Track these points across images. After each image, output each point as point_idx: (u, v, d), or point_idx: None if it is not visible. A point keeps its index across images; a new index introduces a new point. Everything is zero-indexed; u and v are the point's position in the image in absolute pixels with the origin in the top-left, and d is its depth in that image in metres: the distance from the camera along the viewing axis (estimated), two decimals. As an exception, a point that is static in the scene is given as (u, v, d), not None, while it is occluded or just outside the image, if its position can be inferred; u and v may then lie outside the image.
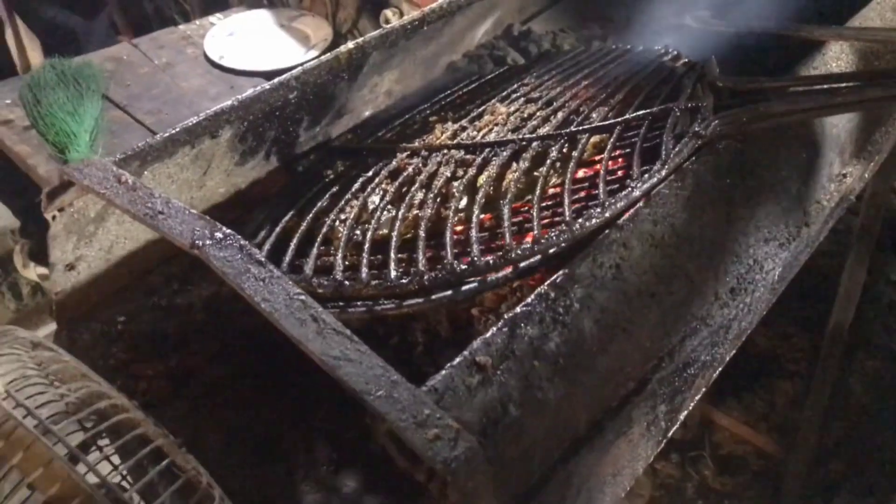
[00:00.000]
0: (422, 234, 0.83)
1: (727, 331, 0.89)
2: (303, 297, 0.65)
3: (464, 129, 1.02)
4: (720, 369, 0.96)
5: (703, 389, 0.93)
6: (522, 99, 1.05)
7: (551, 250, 0.76)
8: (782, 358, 2.11)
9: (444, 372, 0.63)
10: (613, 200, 0.77)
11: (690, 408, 0.91)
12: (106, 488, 0.58)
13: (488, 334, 0.66)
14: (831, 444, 1.94)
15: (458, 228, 0.85)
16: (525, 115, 1.01)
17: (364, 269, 0.81)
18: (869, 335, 2.07)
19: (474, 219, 0.84)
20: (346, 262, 0.84)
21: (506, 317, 0.67)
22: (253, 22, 2.00)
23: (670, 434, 0.89)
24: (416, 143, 1.01)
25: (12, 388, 0.58)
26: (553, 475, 0.69)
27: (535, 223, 0.81)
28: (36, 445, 0.58)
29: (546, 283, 0.70)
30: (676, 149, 0.82)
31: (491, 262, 0.77)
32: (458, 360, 0.64)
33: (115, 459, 0.66)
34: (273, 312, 0.64)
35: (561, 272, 0.71)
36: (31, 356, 0.65)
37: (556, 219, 0.81)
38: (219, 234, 0.68)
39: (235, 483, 0.75)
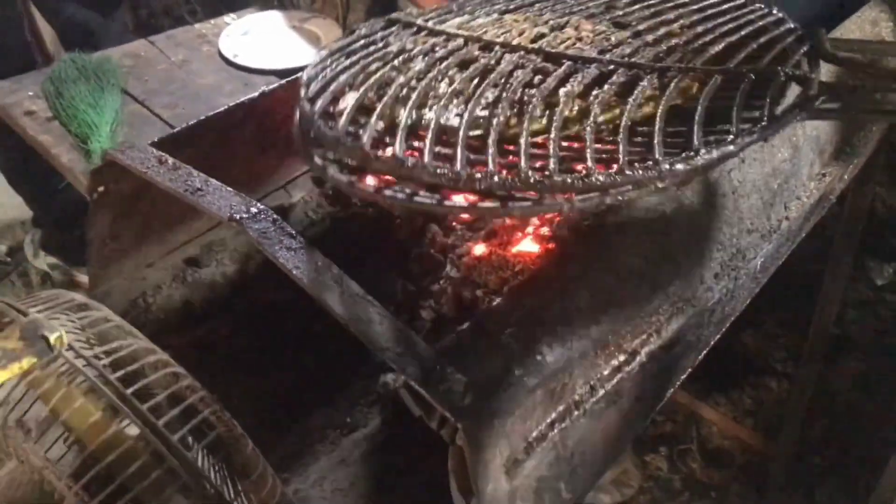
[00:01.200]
0: (493, 134, 0.72)
1: (711, 314, 0.97)
2: (330, 267, 0.73)
3: (543, 35, 0.91)
4: (704, 352, 1.05)
5: (689, 370, 1.01)
6: (610, 22, 0.95)
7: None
8: (769, 357, 2.19)
9: (455, 335, 0.71)
10: (707, 150, 0.69)
11: (676, 385, 0.99)
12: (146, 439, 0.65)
13: (494, 303, 0.74)
14: (815, 439, 2.02)
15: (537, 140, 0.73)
16: (613, 41, 0.90)
17: (427, 153, 0.69)
18: (853, 336, 2.14)
19: (553, 133, 0.72)
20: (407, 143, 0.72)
21: (509, 288, 0.75)
22: (266, 22, 2.09)
23: (657, 409, 0.98)
24: (491, 35, 0.90)
25: (74, 341, 0.66)
26: (549, 433, 0.77)
27: (622, 154, 0.70)
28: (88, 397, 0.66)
29: (543, 263, 0.79)
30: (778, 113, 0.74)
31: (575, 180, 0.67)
32: (466, 325, 0.72)
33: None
34: (303, 278, 0.71)
35: (557, 252, 0.80)
36: (79, 316, 0.72)
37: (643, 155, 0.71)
38: (254, 209, 0.76)
39: (257, 444, 0.82)
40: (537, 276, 0.77)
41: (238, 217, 0.75)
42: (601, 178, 0.66)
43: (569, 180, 0.66)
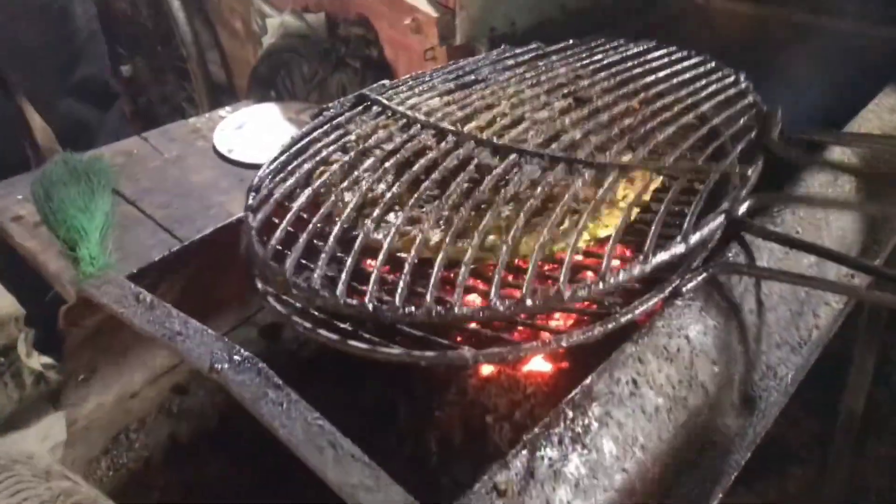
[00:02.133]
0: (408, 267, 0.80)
1: (742, 438, 0.88)
2: (321, 423, 0.65)
3: (504, 114, 1.03)
4: (734, 475, 0.96)
5: (720, 495, 0.92)
6: (573, 97, 1.06)
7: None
8: (792, 444, 2.09)
9: (463, 498, 0.63)
10: (625, 311, 0.77)
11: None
12: None
13: (508, 456, 0.66)
14: (848, 531, 1.91)
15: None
16: (568, 122, 1.02)
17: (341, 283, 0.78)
18: (880, 419, 2.05)
19: (467, 259, 0.81)
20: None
21: (524, 438, 0.67)
22: (261, 115, 2.05)
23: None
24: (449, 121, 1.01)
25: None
26: None
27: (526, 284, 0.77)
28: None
29: (564, 401, 0.71)
30: (698, 234, 0.82)
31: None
32: (478, 485, 0.64)
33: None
34: (291, 438, 0.64)
35: (578, 388, 0.72)
36: (46, 487, 0.64)
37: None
38: (237, 357, 0.69)
39: None
40: (553, 417, 0.69)
41: (219, 367, 0.68)
42: (501, 308, 0.75)
43: (468, 313, 0.75)
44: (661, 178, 0.96)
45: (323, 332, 0.73)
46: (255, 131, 1.97)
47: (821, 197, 0.93)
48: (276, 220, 0.90)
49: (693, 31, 1.61)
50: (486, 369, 0.98)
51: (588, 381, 0.72)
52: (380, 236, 0.86)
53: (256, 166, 1.81)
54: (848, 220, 1.03)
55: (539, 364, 0.97)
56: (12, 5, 2.08)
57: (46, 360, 2.62)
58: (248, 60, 2.34)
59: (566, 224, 0.87)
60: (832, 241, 1.00)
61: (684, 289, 0.78)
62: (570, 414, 0.70)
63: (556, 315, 0.94)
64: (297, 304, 0.78)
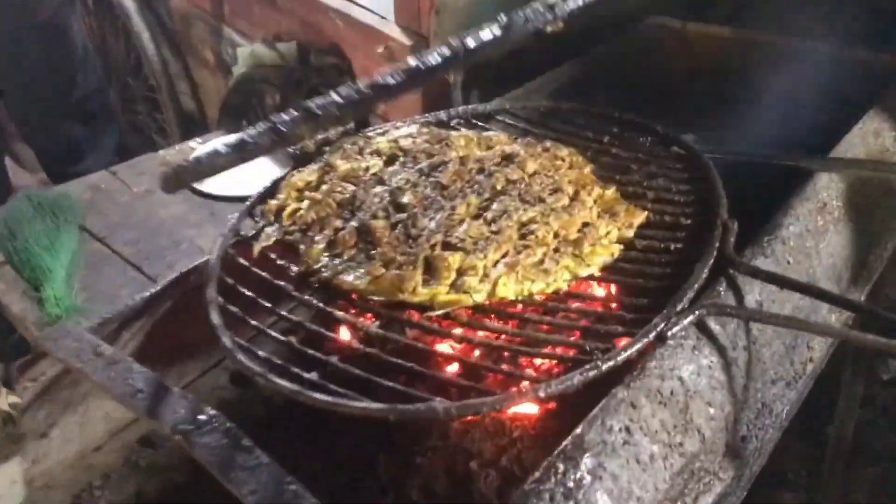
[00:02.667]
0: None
1: (739, 479, 0.84)
2: (294, 487, 0.60)
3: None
4: (733, 515, 0.92)
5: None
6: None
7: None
8: (780, 469, 2.05)
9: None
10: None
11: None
12: None
13: None
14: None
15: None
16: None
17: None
18: (867, 439, 2.03)
19: None
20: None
21: (513, 495, 0.63)
22: (233, 145, 2.00)
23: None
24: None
25: None
26: None
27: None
28: None
29: (554, 454, 0.66)
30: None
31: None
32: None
33: None
34: (262, 506, 0.58)
35: (569, 439, 0.67)
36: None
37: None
38: (202, 417, 0.64)
39: None
40: (544, 472, 0.65)
41: (183, 429, 0.62)
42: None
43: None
44: (646, 213, 0.92)
45: (284, 383, 0.68)
46: (226, 163, 1.92)
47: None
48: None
49: (670, 55, 1.59)
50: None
51: (579, 430, 0.68)
52: (350, 278, 0.81)
53: (228, 199, 1.78)
54: (838, 246, 1.00)
55: (525, 406, 0.93)
56: (13, 25, 2.05)
57: (15, 399, 2.52)
58: (219, 90, 2.29)
59: (546, 263, 0.83)
60: (823, 270, 0.96)
61: (670, 332, 0.73)
62: (562, 467, 0.65)
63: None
64: (260, 353, 0.73)
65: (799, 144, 1.11)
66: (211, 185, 1.82)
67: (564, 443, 0.67)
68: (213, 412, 0.64)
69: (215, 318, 0.78)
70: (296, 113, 0.80)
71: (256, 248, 0.87)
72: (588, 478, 0.65)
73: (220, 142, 0.79)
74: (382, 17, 1.69)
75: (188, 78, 2.53)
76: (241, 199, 1.72)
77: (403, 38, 1.59)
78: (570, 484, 0.64)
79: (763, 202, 1.02)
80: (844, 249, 1.00)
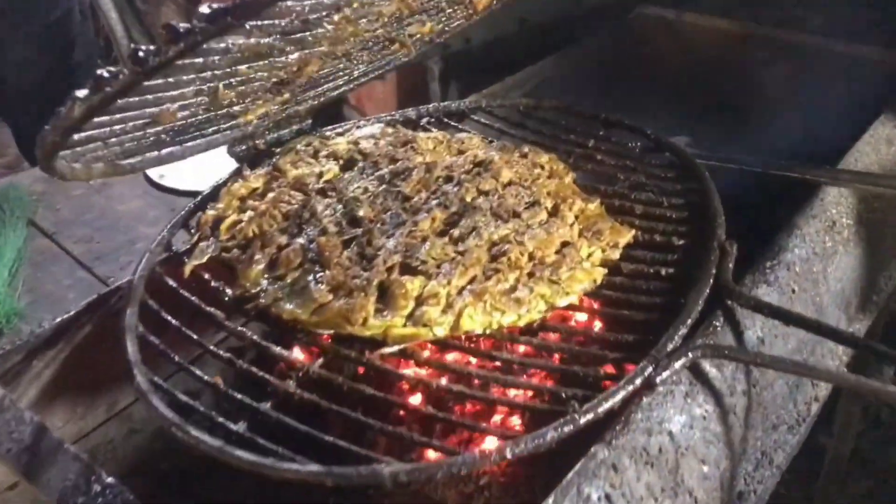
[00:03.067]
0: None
1: (735, 537, 0.74)
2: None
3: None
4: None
5: None
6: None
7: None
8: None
9: None
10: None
11: None
12: None
13: None
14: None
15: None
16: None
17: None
18: (862, 451, 1.96)
19: None
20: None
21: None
22: (198, 136, 1.88)
23: None
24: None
25: None
26: None
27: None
28: None
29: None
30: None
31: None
32: None
33: None
34: None
35: (541, 508, 0.57)
36: None
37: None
38: (97, 486, 0.53)
39: None
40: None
41: (72, 502, 0.51)
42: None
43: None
44: (633, 231, 0.81)
45: (203, 437, 0.57)
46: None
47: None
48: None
49: (663, 48, 1.48)
50: (431, 454, 0.82)
51: (550, 500, 0.57)
52: (291, 306, 0.70)
53: (191, 194, 1.65)
54: (847, 269, 0.90)
55: (492, 443, 0.82)
56: (17, 27, 2.00)
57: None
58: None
59: (519, 290, 0.72)
60: (831, 297, 0.86)
61: (658, 379, 0.63)
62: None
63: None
64: (181, 397, 0.62)
65: (804, 150, 1.00)
66: (173, 179, 1.70)
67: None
68: (109, 480, 0.53)
69: (131, 351, 0.66)
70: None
71: (188, 267, 0.76)
72: (565, 557, 0.54)
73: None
74: None
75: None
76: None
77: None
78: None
79: (763, 215, 0.92)
80: (854, 272, 0.90)
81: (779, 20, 1.35)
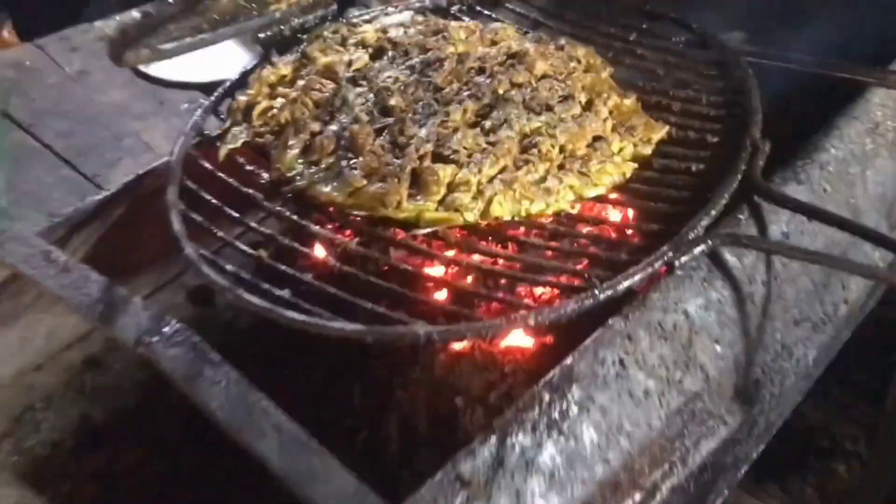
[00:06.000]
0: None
1: (752, 427, 0.99)
2: (264, 404, 0.75)
3: None
4: (745, 468, 1.08)
5: (726, 492, 1.04)
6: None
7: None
8: (837, 435, 2.22)
9: (423, 488, 0.73)
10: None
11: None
12: None
13: (474, 443, 0.76)
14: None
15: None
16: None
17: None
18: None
19: None
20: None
21: (494, 423, 0.77)
22: (186, 19, 2.11)
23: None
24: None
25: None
26: None
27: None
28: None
29: (540, 383, 0.81)
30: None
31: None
32: (439, 474, 0.74)
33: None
34: (230, 422, 0.73)
35: (557, 369, 0.82)
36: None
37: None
38: (167, 329, 0.78)
39: None
40: (528, 401, 0.79)
41: (147, 341, 0.77)
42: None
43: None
44: (667, 127, 1.05)
45: (254, 299, 0.82)
46: (179, 41, 2.03)
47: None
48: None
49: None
50: (458, 344, 1.08)
51: (569, 360, 0.82)
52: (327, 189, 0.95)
53: (181, 85, 1.90)
54: (890, 174, 1.13)
55: (518, 339, 1.07)
56: None
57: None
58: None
59: (548, 181, 0.96)
60: (868, 201, 1.10)
61: (678, 262, 0.87)
62: (547, 397, 0.80)
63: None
64: (227, 267, 0.87)
65: (865, 52, 1.23)
66: (160, 68, 1.93)
67: (552, 372, 0.81)
68: (178, 324, 0.79)
69: (177, 225, 0.91)
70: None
71: (223, 150, 1.01)
72: (575, 409, 0.80)
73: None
74: None
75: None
76: (198, 87, 1.86)
77: None
78: (556, 415, 0.79)
79: (814, 119, 1.15)
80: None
81: None
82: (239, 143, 1.02)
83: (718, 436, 0.93)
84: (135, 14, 0.77)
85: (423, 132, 1.00)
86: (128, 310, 0.81)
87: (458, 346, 1.07)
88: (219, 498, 1.05)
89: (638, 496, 0.86)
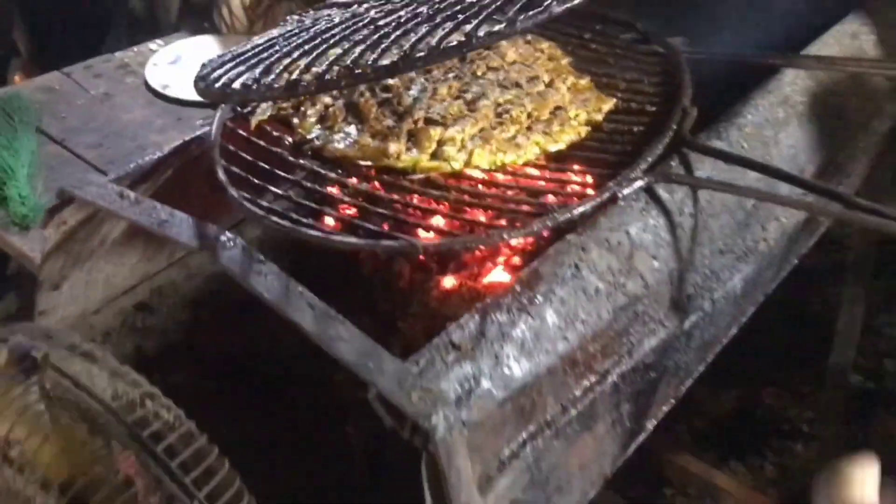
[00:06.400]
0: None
1: (689, 338, 1.23)
2: (300, 289, 0.98)
3: None
4: (688, 382, 1.31)
5: (672, 399, 1.28)
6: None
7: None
8: (795, 419, 2.45)
9: (423, 349, 0.96)
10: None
11: (658, 416, 1.25)
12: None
13: (462, 319, 0.99)
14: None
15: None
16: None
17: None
18: (891, 390, 2.42)
19: None
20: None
21: (478, 305, 1.01)
22: (197, 48, 2.37)
23: (637, 441, 1.23)
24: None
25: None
26: (522, 452, 1.02)
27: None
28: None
29: (513, 280, 1.05)
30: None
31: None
32: (436, 339, 0.97)
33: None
34: (277, 303, 0.97)
35: (526, 269, 1.06)
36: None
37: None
38: (223, 238, 1.02)
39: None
40: (504, 294, 1.03)
41: (209, 245, 1.01)
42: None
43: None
44: (615, 100, 1.31)
45: (276, 219, 1.06)
46: (192, 66, 2.28)
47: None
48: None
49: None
50: (448, 282, 1.32)
51: (535, 264, 1.06)
52: (340, 145, 1.20)
53: (197, 104, 2.15)
54: (801, 139, 1.39)
55: (499, 276, 1.31)
56: None
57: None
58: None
59: (518, 138, 1.22)
60: (781, 161, 1.35)
61: (621, 194, 1.12)
62: (518, 289, 1.04)
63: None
64: (263, 203, 1.11)
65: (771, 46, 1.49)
66: (178, 89, 2.19)
67: (522, 272, 1.05)
68: (230, 234, 1.02)
69: (221, 175, 1.16)
70: None
71: (254, 120, 1.26)
72: (540, 298, 1.04)
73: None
74: None
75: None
76: (211, 105, 2.11)
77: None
78: (525, 301, 1.03)
79: (736, 99, 1.41)
80: (809, 141, 1.39)
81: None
82: (266, 116, 1.27)
83: (658, 336, 1.16)
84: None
85: (416, 103, 1.25)
86: (189, 224, 1.05)
87: (452, 282, 1.31)
88: (246, 415, 1.28)
89: (593, 377, 1.09)
